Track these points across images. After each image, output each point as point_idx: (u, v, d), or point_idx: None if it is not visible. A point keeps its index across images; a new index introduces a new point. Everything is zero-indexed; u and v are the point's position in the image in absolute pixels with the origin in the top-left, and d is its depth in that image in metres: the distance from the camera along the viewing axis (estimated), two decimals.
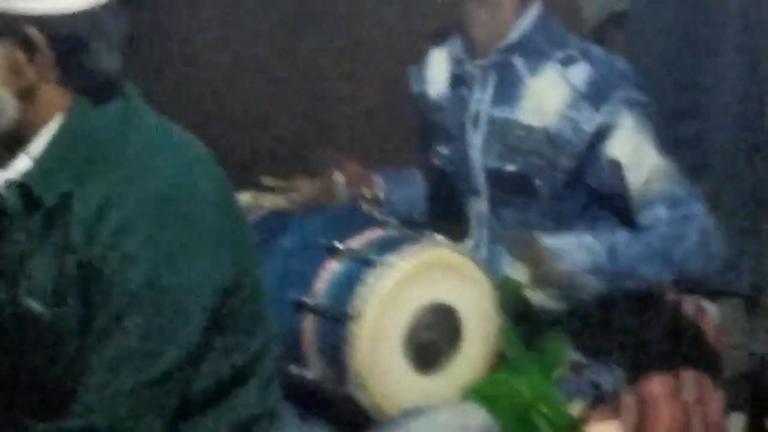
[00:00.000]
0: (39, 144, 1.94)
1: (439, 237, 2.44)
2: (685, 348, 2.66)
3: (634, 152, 2.45)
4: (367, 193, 2.72)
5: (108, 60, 1.92)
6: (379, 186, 2.77)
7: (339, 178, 2.73)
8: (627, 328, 2.60)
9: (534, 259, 2.42)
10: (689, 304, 2.73)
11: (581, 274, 2.41)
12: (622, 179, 2.45)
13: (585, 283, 2.42)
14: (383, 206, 2.72)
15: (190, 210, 1.92)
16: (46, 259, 1.93)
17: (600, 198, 2.52)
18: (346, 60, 3.65)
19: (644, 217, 2.43)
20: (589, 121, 2.46)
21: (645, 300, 2.61)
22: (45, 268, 1.93)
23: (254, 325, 2.06)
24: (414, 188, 2.82)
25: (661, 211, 2.42)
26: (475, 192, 2.61)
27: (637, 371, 2.58)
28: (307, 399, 2.46)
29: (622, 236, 2.43)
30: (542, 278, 2.43)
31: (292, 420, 2.39)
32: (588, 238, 2.43)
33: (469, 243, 2.64)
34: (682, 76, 2.86)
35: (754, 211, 2.75)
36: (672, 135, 2.52)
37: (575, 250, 2.41)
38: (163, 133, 2.00)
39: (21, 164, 1.95)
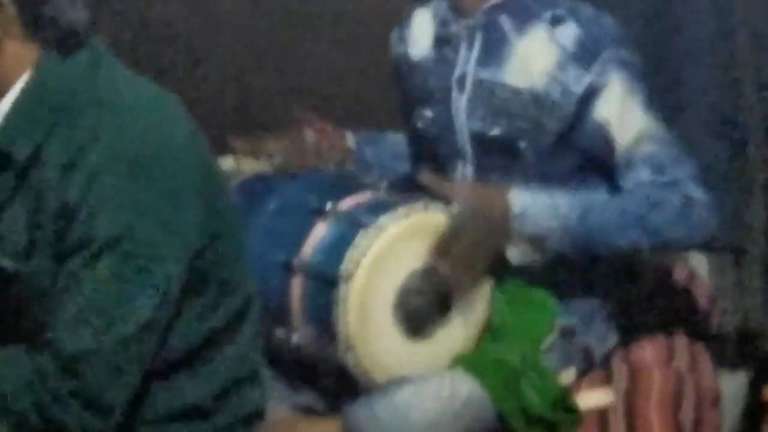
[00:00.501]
0: (8, 100, 1.93)
1: (431, 201, 2.41)
2: (676, 312, 2.63)
3: (622, 112, 2.41)
4: (338, 148, 2.69)
5: (73, 13, 1.91)
6: (350, 141, 2.75)
7: (309, 134, 2.71)
8: (616, 293, 2.57)
9: (493, 212, 2.38)
10: (680, 268, 2.71)
11: (542, 235, 2.37)
12: (610, 141, 2.42)
13: (546, 244, 2.38)
14: (356, 161, 2.70)
15: (163, 160, 1.91)
16: (20, 214, 1.92)
17: (588, 161, 2.48)
18: (326, 19, 3.63)
19: (627, 180, 2.39)
20: (578, 82, 2.42)
21: (634, 264, 2.58)
22: (18, 223, 1.92)
23: (232, 285, 2.05)
24: (389, 149, 2.78)
25: (644, 174, 2.38)
26: (460, 155, 2.57)
27: (628, 337, 2.55)
28: (294, 366, 2.43)
29: (599, 198, 2.39)
30: (498, 234, 2.38)
31: (277, 386, 2.37)
32: (562, 200, 2.38)
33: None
34: (656, 23, 2.84)
35: (735, 160, 2.72)
36: (649, 83, 2.48)
37: (541, 212, 2.37)
38: (134, 86, 1.99)
39: None
